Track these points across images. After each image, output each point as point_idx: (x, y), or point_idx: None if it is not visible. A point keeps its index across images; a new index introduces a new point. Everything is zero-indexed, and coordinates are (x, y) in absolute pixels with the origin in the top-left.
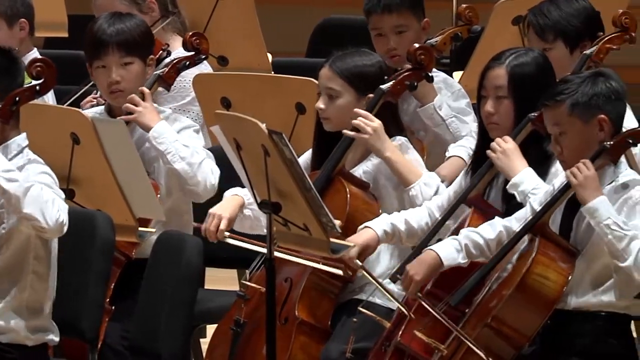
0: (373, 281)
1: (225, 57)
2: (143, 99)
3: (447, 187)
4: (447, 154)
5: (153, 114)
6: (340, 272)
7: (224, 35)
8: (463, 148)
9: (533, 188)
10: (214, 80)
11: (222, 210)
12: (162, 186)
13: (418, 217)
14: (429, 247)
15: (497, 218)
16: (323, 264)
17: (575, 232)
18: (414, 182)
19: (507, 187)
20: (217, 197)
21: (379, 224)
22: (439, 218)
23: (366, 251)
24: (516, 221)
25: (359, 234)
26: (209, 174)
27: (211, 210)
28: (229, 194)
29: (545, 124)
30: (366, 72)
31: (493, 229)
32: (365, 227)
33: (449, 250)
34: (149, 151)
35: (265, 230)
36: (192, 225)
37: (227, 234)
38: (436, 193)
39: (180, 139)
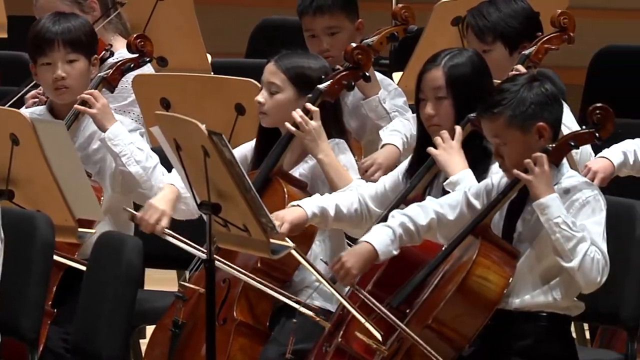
0: (319, 277)
1: (165, 57)
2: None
3: (383, 174)
4: (382, 140)
5: (109, 114)
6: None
7: (163, 36)
8: (398, 134)
9: (469, 188)
10: (153, 81)
11: (164, 204)
12: (107, 187)
13: (348, 203)
14: (365, 239)
15: (428, 200)
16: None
17: (518, 233)
18: (342, 188)
19: (445, 184)
20: None
21: (310, 205)
22: (372, 207)
23: (294, 230)
24: (449, 208)
25: (289, 211)
26: (161, 178)
27: (151, 202)
28: (166, 183)
29: (485, 135)
30: (309, 73)
31: (425, 213)
32: (296, 205)
33: (384, 242)
34: (94, 152)
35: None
36: (132, 224)
37: (167, 230)
38: None
39: (134, 141)
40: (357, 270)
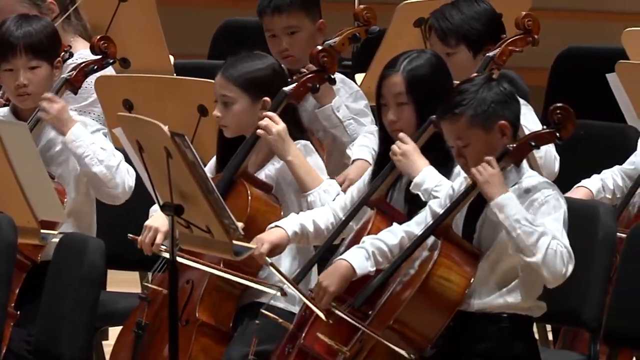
0: (282, 279)
1: (127, 59)
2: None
3: None
4: (352, 156)
5: (66, 118)
6: (245, 281)
7: (126, 37)
8: (366, 149)
9: (436, 185)
10: (116, 82)
11: (158, 223)
12: (71, 189)
13: (324, 218)
14: (340, 257)
15: (395, 225)
16: (225, 270)
17: (478, 234)
18: (314, 188)
19: (411, 187)
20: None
21: (289, 224)
22: (343, 219)
23: (276, 250)
24: (416, 225)
25: (269, 233)
26: (126, 175)
27: (147, 223)
28: None
29: (446, 137)
30: (258, 76)
31: (394, 235)
32: (276, 226)
33: (359, 259)
34: (58, 155)
35: None
36: (95, 227)
37: (163, 247)
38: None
39: (96, 141)
40: (334, 288)
